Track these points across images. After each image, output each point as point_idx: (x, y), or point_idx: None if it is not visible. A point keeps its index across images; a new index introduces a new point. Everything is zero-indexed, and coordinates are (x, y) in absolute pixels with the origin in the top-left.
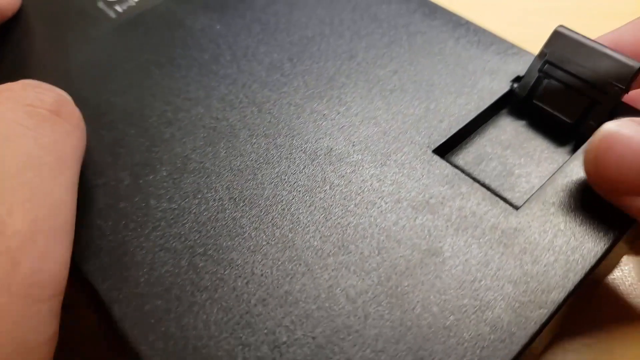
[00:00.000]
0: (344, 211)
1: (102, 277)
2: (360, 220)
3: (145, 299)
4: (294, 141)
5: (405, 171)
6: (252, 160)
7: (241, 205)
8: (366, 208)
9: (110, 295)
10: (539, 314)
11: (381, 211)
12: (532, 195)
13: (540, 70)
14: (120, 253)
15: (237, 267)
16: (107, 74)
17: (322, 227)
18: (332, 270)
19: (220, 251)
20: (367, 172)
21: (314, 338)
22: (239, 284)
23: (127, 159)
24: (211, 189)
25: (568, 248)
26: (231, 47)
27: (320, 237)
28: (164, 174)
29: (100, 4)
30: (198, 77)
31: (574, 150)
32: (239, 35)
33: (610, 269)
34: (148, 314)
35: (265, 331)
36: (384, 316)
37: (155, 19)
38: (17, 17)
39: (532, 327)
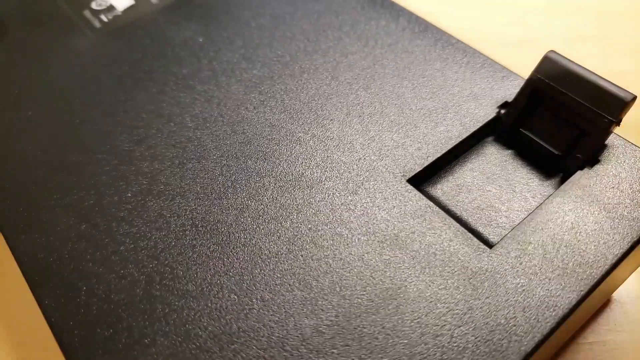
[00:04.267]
0: (309, 242)
1: (55, 303)
2: (325, 254)
3: (94, 328)
4: (265, 164)
5: (376, 201)
6: (219, 183)
7: (202, 232)
8: (332, 240)
9: (61, 322)
10: None
11: (347, 244)
12: (509, 232)
13: (528, 97)
14: (76, 278)
15: (191, 299)
16: (83, 86)
17: (284, 259)
18: (289, 307)
19: (176, 281)
20: (337, 200)
21: None
22: (192, 317)
23: (93, 178)
24: (174, 213)
25: (541, 294)
26: (211, 62)
27: (281, 271)
28: (129, 195)
29: (87, 13)
30: (174, 93)
31: (560, 183)
32: (220, 49)
33: (594, 306)
34: (96, 344)
35: None
36: (338, 359)
37: (139, 30)
38: (4, 23)
39: None
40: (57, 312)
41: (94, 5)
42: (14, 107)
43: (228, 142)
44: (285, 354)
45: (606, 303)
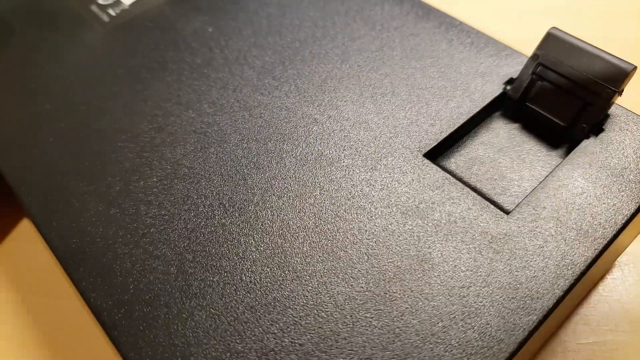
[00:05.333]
0: (333, 217)
1: (92, 285)
2: (350, 226)
3: (133, 306)
4: (285, 146)
5: (395, 176)
6: (242, 165)
7: (231, 211)
8: (356, 213)
9: (99, 302)
10: (528, 321)
11: (371, 216)
12: (523, 199)
13: (533, 73)
14: (110, 260)
15: (225, 274)
16: (98, 78)
17: (311, 233)
18: (321, 276)
19: (209, 258)
20: (357, 176)
21: (301, 345)
22: (228, 290)
23: (117, 165)
24: (201, 195)
25: (558, 254)
26: (223, 51)
27: (310, 243)
28: (154, 179)
29: (94, 8)
30: (189, 81)
31: (567, 153)
32: (230, 38)
33: (610, 263)
34: (136, 321)
35: (254, 338)
36: (372, 323)
37: (148, 23)
38: (10, 19)
39: (520, 335)
40: (94, 293)
41: (100, 1)
42: (32, 101)
43: (247, 126)
44: (320, 319)
45: (609, 270)
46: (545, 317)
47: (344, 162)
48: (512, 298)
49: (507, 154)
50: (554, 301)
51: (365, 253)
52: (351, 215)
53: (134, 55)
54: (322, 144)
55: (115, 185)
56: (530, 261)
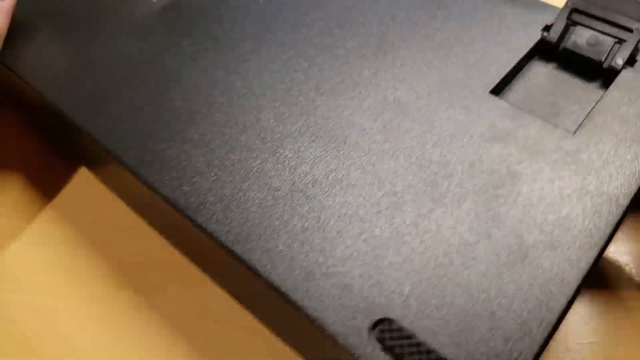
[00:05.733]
0: (422, 152)
1: (217, 217)
2: (442, 152)
3: (263, 229)
4: (361, 94)
5: (470, 111)
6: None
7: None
8: (442, 144)
9: (228, 233)
10: (612, 213)
11: (459, 146)
12: (582, 121)
13: (567, 18)
14: (229, 198)
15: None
16: (161, 56)
17: (412, 166)
18: (413, 192)
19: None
20: (436, 115)
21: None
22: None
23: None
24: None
25: (626, 159)
26: (277, 19)
27: (413, 173)
28: (263, 123)
29: None
30: (256, 47)
31: (605, 84)
32: (282, 8)
33: None
34: (271, 243)
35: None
36: (479, 240)
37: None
38: (56, 6)
39: (609, 227)
40: (223, 228)
41: None
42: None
43: (325, 77)
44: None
45: None
46: (625, 213)
47: (420, 102)
48: (600, 194)
49: (554, 89)
50: (630, 197)
51: (459, 171)
52: (438, 147)
53: (192, 31)
54: (396, 90)
55: (212, 137)
56: (603, 167)
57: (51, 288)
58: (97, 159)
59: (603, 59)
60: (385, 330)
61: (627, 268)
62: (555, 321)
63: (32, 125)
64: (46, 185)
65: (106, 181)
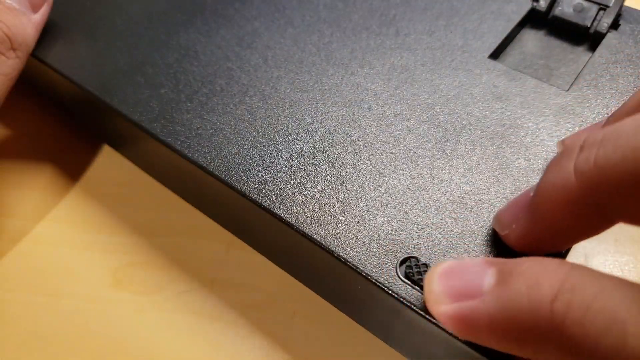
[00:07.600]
0: (431, 112)
1: (234, 171)
2: (449, 111)
3: (285, 184)
4: (370, 63)
5: (471, 74)
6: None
7: (362, 114)
8: (449, 103)
9: (254, 185)
10: None
11: (464, 104)
12: (574, 80)
13: None
14: (248, 156)
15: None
16: (175, 35)
17: (422, 125)
18: (424, 151)
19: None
20: (442, 79)
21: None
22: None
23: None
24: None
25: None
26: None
27: (425, 131)
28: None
29: None
30: (266, 24)
31: (592, 48)
32: None
33: None
34: (283, 194)
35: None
36: (490, 177)
37: None
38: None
39: None
40: (255, 186)
41: None
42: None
43: (335, 48)
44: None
45: None
46: None
47: (426, 67)
48: None
49: (547, 54)
50: None
51: (465, 126)
52: (445, 106)
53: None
54: (401, 58)
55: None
56: (598, 119)
57: (57, 286)
58: (123, 137)
59: (589, 25)
60: (413, 266)
61: (626, 268)
62: None
63: (54, 112)
64: (72, 166)
65: (130, 157)
